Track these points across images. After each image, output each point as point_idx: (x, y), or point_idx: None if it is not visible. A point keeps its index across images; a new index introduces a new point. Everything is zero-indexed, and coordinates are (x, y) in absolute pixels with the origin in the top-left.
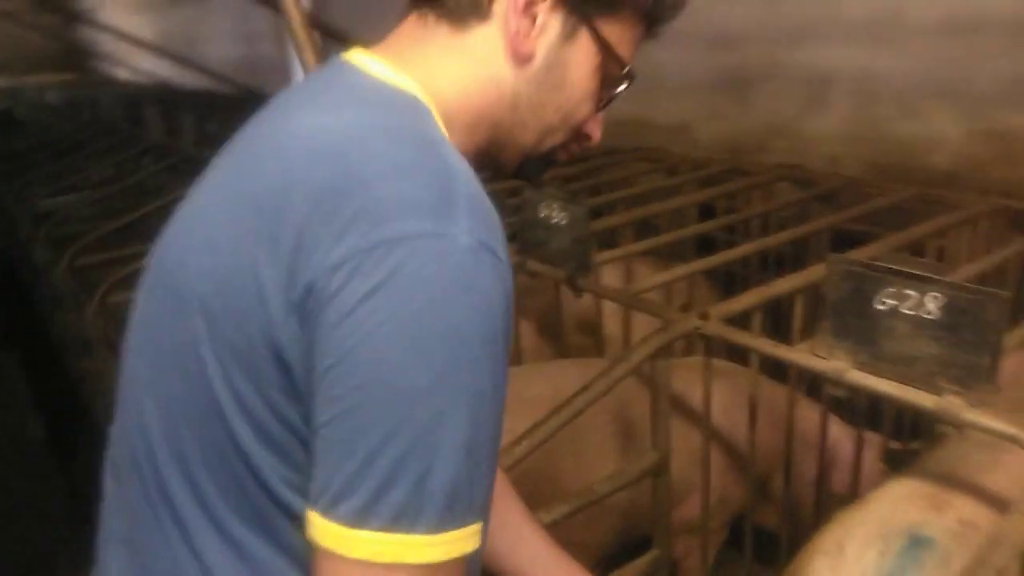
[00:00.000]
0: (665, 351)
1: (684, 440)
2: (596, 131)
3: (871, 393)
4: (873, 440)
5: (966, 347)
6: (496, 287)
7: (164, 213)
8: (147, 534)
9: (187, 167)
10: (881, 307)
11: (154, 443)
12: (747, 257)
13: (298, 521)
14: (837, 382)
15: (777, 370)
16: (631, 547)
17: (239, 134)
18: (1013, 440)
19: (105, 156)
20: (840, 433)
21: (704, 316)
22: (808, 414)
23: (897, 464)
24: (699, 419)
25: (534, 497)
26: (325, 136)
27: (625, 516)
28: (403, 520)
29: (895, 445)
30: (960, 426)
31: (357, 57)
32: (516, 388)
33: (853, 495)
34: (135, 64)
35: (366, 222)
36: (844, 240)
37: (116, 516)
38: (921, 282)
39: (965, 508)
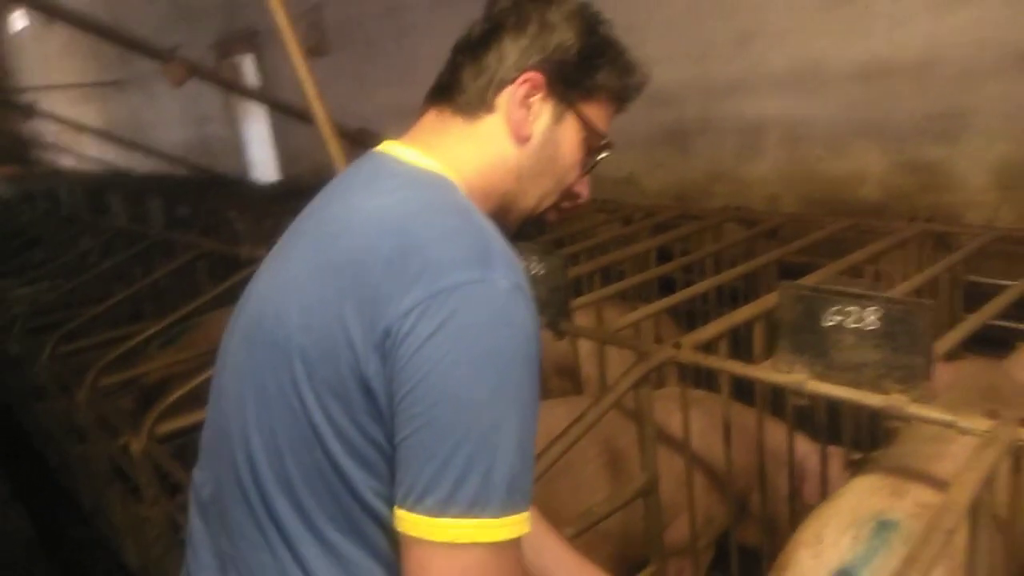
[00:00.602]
0: (646, 380)
1: (667, 466)
2: (584, 191)
3: (828, 399)
4: (836, 452)
5: (903, 351)
6: (528, 318)
7: (137, 299)
8: (253, 551)
9: (156, 251)
10: (829, 323)
11: (261, 471)
12: (706, 293)
13: (383, 524)
14: (799, 392)
15: (741, 392)
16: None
17: (303, 217)
18: (949, 425)
19: (70, 246)
20: (807, 448)
21: (677, 346)
22: (776, 433)
23: (860, 472)
24: (679, 444)
25: None
26: (386, 214)
27: (619, 542)
28: (476, 507)
29: (856, 455)
30: (905, 419)
31: (391, 148)
32: None
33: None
34: (82, 152)
35: (428, 276)
36: (789, 271)
37: (204, 549)
38: (860, 299)
39: (921, 493)
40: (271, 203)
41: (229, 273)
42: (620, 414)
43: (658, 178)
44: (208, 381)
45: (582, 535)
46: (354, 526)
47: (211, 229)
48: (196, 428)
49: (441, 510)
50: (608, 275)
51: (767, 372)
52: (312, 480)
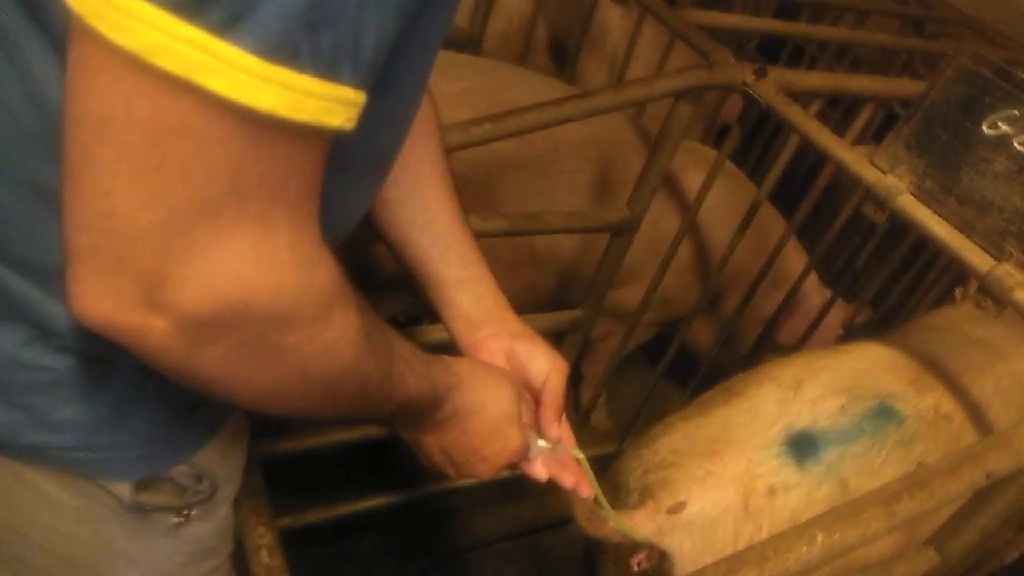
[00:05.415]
0: (696, 95)
1: (653, 223)
2: None
3: (917, 229)
4: (843, 307)
5: None
6: None
7: None
8: None
9: None
10: (990, 130)
11: None
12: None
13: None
14: (881, 201)
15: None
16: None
17: None
18: None
19: None
20: (812, 287)
21: (761, 73)
22: (793, 255)
23: (854, 338)
24: (680, 205)
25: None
26: None
27: (549, 273)
28: (216, 4)
29: (862, 319)
30: (1003, 303)
31: None
32: (493, 85)
33: (796, 349)
34: None
35: None
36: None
37: None
38: None
39: (947, 400)
40: None
41: None
42: (638, 139)
43: None
44: None
45: (510, 239)
46: None
47: None
48: None
49: None
50: None
51: (854, 156)
52: None
